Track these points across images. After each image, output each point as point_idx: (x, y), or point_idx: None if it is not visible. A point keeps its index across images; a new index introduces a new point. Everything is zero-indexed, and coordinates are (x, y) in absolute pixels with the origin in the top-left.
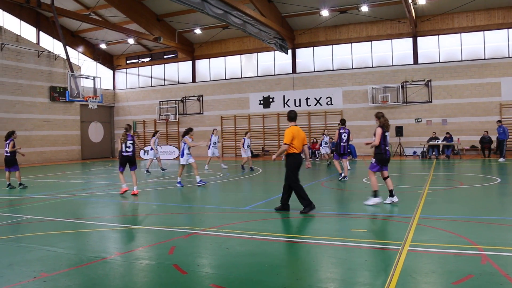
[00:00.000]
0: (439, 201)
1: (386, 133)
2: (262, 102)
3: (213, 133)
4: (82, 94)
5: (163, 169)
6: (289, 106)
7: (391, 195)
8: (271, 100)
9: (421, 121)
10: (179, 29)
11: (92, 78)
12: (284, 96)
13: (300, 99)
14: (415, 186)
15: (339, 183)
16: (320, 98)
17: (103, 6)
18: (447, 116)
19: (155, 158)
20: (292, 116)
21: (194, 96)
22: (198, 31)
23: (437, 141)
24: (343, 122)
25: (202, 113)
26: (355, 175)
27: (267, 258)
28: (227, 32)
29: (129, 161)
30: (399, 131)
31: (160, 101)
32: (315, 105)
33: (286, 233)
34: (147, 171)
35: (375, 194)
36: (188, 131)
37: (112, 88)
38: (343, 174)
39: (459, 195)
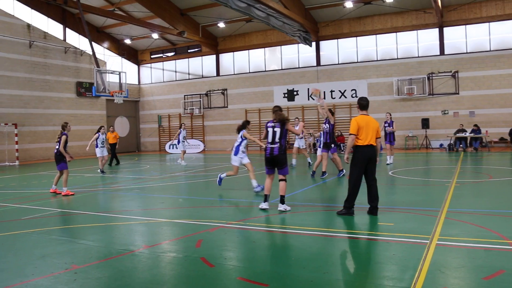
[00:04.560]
0: (467, 195)
1: (269, 128)
2: (286, 95)
3: (181, 127)
4: (108, 89)
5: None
6: (313, 99)
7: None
8: (295, 93)
9: (447, 113)
10: (202, 23)
11: (118, 73)
12: (308, 89)
13: (324, 92)
14: (443, 179)
15: None
16: (345, 90)
17: (127, 2)
18: (474, 108)
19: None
20: (363, 104)
21: (218, 89)
22: (221, 24)
23: (465, 134)
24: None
25: (227, 107)
26: (381, 168)
27: (294, 251)
28: (250, 26)
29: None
30: (425, 123)
31: (184, 95)
32: (340, 97)
33: (313, 226)
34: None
35: (266, 198)
36: (246, 124)
37: (137, 83)
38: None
39: (488, 188)
